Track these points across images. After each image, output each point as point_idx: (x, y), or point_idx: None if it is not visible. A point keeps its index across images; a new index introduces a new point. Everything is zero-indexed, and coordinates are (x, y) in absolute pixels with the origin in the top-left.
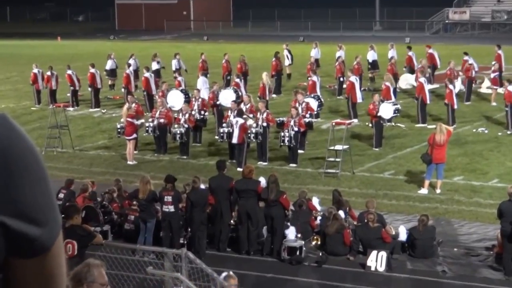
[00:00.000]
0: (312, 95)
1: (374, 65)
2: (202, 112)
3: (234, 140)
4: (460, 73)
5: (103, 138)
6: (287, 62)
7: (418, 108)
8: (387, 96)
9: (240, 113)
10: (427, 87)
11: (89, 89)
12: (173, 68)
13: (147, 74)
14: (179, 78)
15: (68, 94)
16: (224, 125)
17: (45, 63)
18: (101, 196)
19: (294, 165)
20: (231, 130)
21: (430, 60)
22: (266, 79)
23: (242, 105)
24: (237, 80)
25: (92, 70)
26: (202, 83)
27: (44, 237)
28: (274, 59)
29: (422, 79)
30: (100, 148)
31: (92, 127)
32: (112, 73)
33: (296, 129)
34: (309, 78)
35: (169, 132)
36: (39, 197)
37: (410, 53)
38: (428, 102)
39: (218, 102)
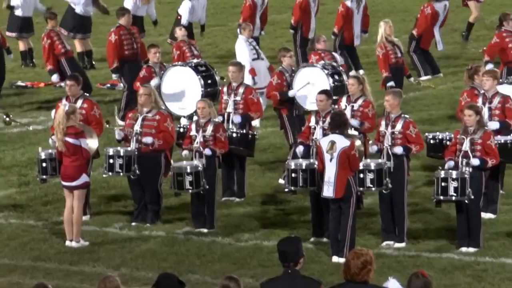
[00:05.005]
0: None
1: None
2: (244, 121)
3: (327, 191)
4: None
5: (6, 183)
6: None
7: None
8: None
9: (338, 122)
10: None
11: None
12: (184, 22)
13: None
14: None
15: None
16: (299, 148)
17: None
18: None
19: (473, 249)
20: (315, 165)
21: None
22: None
23: (343, 102)
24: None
25: None
26: (246, 46)
27: None
28: None
29: None
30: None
31: None
32: (26, 23)
33: (476, 162)
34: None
35: (165, 173)
36: None
37: None
38: None
39: (290, 94)
